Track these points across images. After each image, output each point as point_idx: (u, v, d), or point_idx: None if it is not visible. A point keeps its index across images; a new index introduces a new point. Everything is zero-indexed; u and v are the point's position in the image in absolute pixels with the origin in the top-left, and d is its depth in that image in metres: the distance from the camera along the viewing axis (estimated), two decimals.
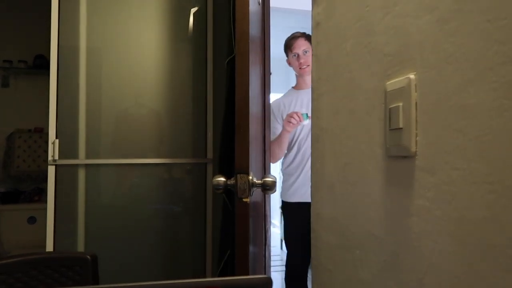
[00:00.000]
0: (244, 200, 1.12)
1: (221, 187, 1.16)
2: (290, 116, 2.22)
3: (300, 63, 2.38)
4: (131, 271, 2.12)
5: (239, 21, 1.14)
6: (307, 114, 2.23)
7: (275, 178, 1.22)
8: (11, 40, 3.54)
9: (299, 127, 2.33)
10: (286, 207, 2.41)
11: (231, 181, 1.15)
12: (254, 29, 1.75)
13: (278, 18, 2.96)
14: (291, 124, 2.21)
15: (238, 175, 1.12)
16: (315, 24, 0.95)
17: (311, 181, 0.97)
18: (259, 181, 1.19)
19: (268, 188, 1.20)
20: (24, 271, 1.19)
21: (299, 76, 2.45)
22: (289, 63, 2.47)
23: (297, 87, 2.48)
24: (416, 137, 0.56)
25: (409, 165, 0.58)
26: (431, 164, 0.54)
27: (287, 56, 2.46)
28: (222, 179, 1.16)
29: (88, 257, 1.26)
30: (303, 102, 2.37)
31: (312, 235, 0.95)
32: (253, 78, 1.36)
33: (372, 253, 0.69)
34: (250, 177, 1.14)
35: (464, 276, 0.48)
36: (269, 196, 1.85)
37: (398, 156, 0.61)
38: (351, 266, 0.77)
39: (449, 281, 0.50)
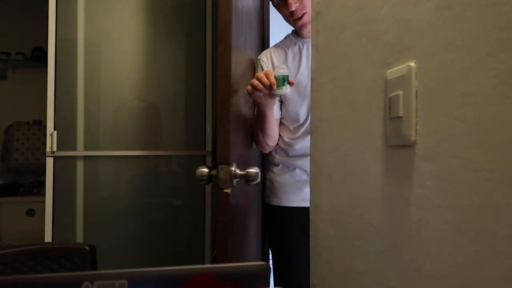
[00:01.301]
0: (225, 190, 1.12)
1: (204, 178, 1.16)
2: (256, 78, 1.38)
3: (292, 13, 1.52)
4: (130, 263, 2.12)
5: (222, 13, 1.15)
6: (286, 77, 1.34)
7: (258, 170, 1.22)
8: (9, 32, 3.52)
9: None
10: (291, 213, 1.61)
11: (214, 172, 1.16)
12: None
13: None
14: (256, 92, 1.39)
15: (220, 166, 1.13)
16: (315, 14, 0.94)
17: (310, 172, 0.96)
18: (242, 172, 1.19)
19: (251, 179, 1.20)
20: (22, 261, 1.19)
21: (298, 29, 1.61)
22: (283, 17, 1.62)
23: (300, 34, 1.63)
24: (416, 125, 0.56)
25: (408, 154, 0.58)
26: (430, 152, 0.53)
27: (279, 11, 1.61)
28: (206, 170, 1.16)
29: (87, 247, 1.26)
30: (300, 56, 1.58)
31: (310, 226, 0.95)
32: (238, 71, 1.36)
33: (371, 243, 0.69)
34: (232, 168, 1.14)
35: (463, 265, 0.48)
36: None
37: (398, 145, 0.60)
38: (350, 257, 0.76)
39: (448, 270, 0.50)
